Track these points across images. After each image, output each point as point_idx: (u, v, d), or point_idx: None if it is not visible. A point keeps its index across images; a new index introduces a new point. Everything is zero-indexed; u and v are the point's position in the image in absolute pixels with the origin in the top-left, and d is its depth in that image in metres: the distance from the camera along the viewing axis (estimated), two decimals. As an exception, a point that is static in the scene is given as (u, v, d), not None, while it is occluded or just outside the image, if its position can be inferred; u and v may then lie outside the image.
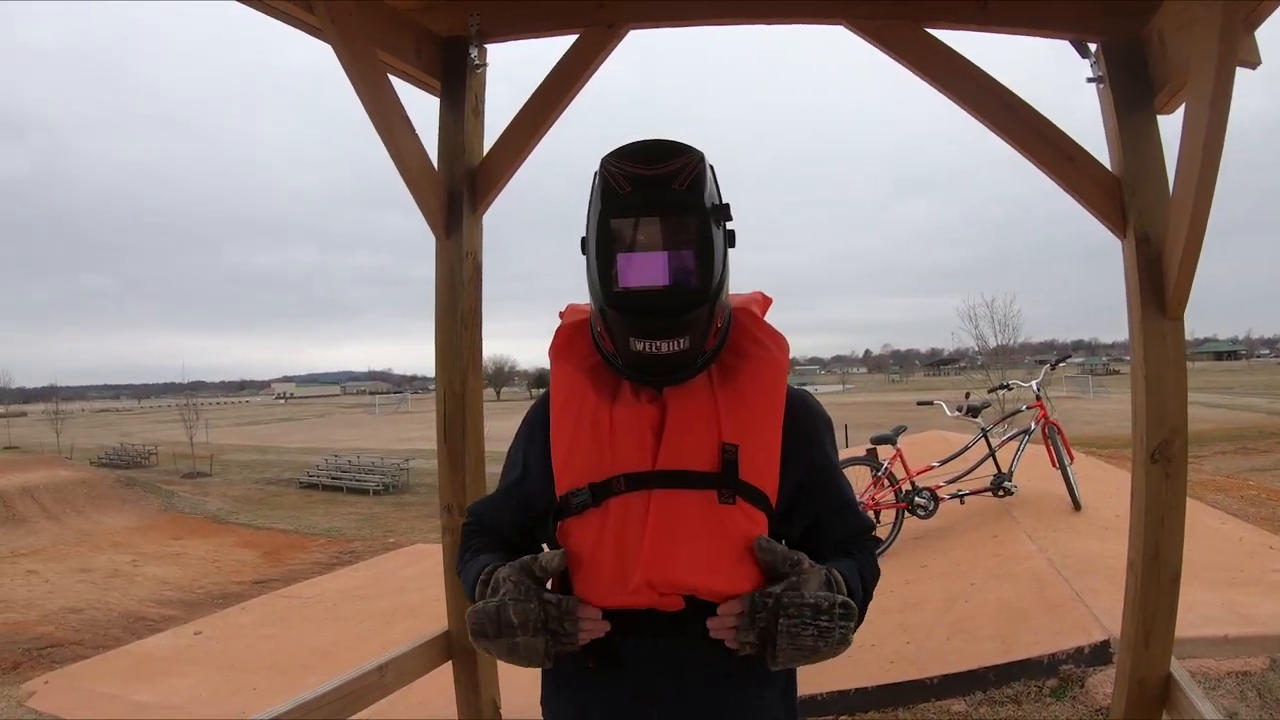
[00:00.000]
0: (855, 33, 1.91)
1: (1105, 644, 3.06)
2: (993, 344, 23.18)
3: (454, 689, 2.21)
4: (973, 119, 1.90)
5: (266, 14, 1.81)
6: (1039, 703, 2.97)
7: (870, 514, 4.97)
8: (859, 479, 5.16)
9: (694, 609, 1.08)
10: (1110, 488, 5.79)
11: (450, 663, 2.16)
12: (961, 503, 5.39)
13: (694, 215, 1.06)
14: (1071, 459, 5.31)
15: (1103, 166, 1.85)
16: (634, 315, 1.06)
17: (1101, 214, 1.83)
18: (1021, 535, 4.76)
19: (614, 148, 1.09)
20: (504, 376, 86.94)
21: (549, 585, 1.12)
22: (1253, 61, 1.68)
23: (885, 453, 5.27)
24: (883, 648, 3.52)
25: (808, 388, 1.47)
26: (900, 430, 5.34)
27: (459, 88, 2.15)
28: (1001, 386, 6.41)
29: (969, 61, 1.88)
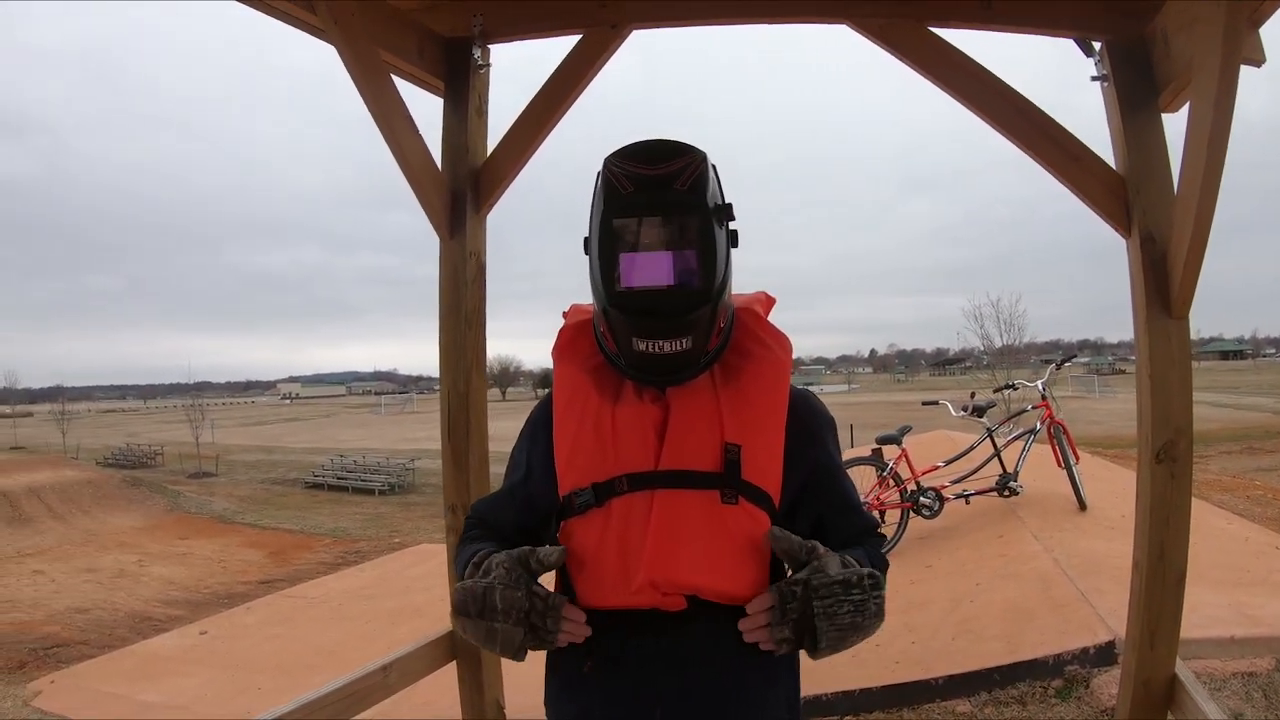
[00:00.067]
0: (858, 32, 1.91)
1: (1110, 644, 3.05)
2: (998, 344, 23.07)
3: (458, 689, 2.21)
4: (977, 118, 1.90)
5: (268, 14, 1.81)
6: (1044, 703, 2.96)
7: (875, 514, 4.96)
8: (864, 479, 5.16)
9: (696, 609, 1.08)
10: (1116, 488, 5.78)
11: (455, 663, 2.16)
12: (967, 503, 5.39)
13: (696, 215, 1.06)
14: (1077, 459, 5.30)
15: (1107, 166, 1.84)
16: (637, 315, 1.06)
17: (1106, 213, 1.82)
18: (1027, 535, 4.75)
19: (616, 148, 1.09)
20: (509, 376, 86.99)
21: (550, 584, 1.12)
22: (1257, 59, 1.67)
23: (891, 453, 5.27)
24: (888, 648, 3.52)
25: (813, 388, 1.47)
26: (905, 430, 5.33)
27: (462, 88, 2.14)
28: (1007, 386, 6.41)
29: (973, 60, 1.87)
